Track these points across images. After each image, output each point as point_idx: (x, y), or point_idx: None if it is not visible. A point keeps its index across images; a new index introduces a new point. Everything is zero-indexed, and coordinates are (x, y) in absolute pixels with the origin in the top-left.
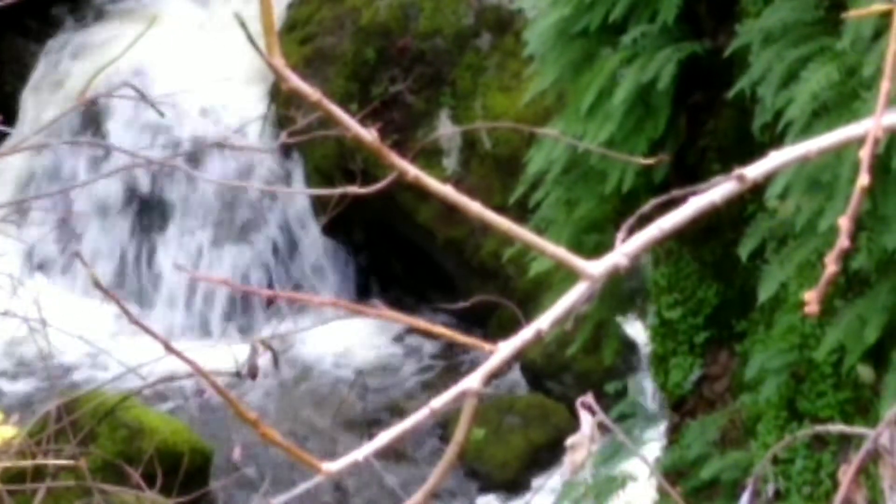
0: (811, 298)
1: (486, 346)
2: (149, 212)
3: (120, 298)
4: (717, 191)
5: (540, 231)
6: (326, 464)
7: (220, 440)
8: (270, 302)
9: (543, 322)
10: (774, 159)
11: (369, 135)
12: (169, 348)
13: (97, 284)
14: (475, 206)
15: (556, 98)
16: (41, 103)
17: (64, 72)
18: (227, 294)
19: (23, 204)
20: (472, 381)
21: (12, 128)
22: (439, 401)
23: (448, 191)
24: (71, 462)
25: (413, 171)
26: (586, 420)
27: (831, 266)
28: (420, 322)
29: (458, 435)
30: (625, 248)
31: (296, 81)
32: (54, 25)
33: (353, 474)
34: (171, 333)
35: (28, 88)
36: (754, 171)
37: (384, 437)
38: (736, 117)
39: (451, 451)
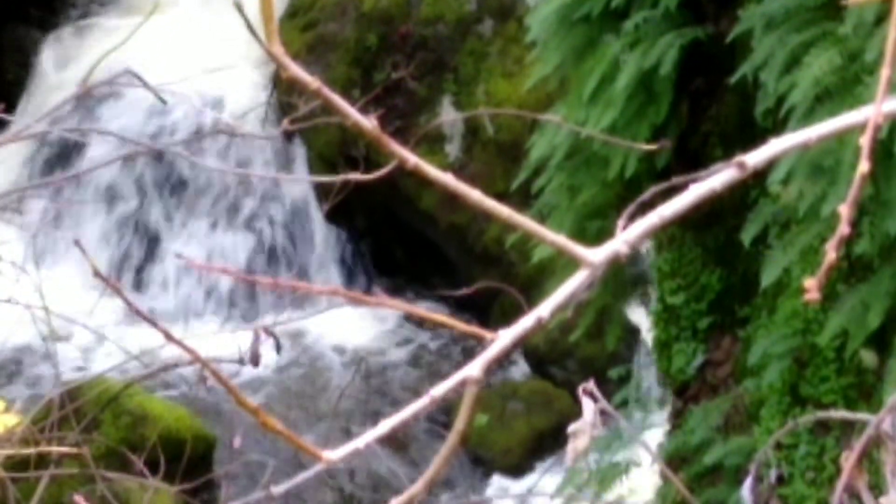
0: (811, 286)
1: (487, 335)
2: (151, 199)
3: (122, 287)
4: (718, 178)
5: (542, 217)
6: (327, 452)
7: (223, 427)
8: (276, 286)
9: (544, 310)
10: (775, 146)
11: (369, 123)
12: (169, 337)
13: (97, 274)
14: (475, 194)
15: (559, 84)
16: (44, 91)
17: (66, 60)
18: (229, 281)
19: (24, 192)
20: (473, 370)
21: (13, 116)
22: (440, 389)
23: (448, 179)
24: (74, 449)
25: (413, 159)
26: (588, 407)
27: (831, 253)
28: (420, 310)
29: (459, 423)
30: (625, 236)
31: (295, 70)
32: (57, 14)
33: (356, 462)
34: (174, 320)
35: (31, 77)
36: (755, 158)
37: (385, 426)
38: (738, 103)
39: (451, 439)
